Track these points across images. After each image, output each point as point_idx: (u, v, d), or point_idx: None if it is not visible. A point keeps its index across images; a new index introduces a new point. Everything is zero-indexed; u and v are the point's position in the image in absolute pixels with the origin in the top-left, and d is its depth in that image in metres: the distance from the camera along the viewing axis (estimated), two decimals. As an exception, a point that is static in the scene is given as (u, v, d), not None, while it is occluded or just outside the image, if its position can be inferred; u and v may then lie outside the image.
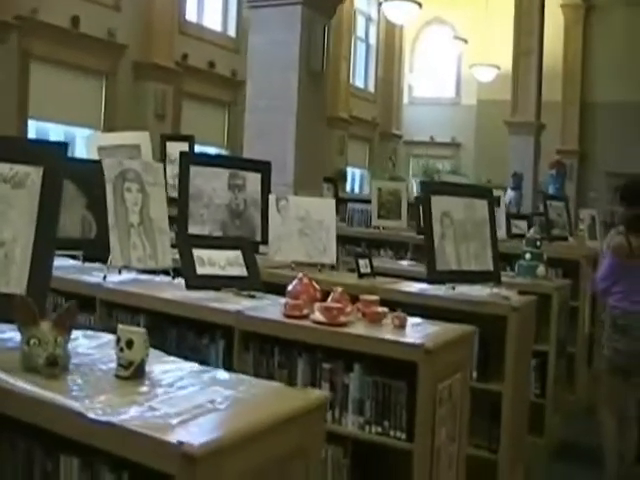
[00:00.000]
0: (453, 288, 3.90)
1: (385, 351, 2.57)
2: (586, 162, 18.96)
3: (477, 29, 18.76)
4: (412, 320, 2.83)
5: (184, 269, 3.09)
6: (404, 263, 5.52)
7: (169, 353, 1.99)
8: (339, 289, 2.89)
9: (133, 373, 1.67)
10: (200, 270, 3.13)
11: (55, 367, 1.63)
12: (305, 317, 2.75)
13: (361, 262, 4.20)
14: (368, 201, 7.52)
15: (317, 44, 5.72)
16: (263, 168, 4.60)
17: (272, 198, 4.33)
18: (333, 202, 4.61)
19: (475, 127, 20.57)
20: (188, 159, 4.44)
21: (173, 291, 3.10)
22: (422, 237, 6.59)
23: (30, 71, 9.48)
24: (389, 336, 2.62)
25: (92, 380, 1.66)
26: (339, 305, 2.75)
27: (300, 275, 3.03)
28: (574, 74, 19.23)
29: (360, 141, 18.89)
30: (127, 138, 5.53)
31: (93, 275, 3.35)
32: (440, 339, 2.65)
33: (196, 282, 3.08)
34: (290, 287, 2.99)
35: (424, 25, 21.29)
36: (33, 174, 2.06)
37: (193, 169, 4.34)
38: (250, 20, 6.01)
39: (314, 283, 3.02)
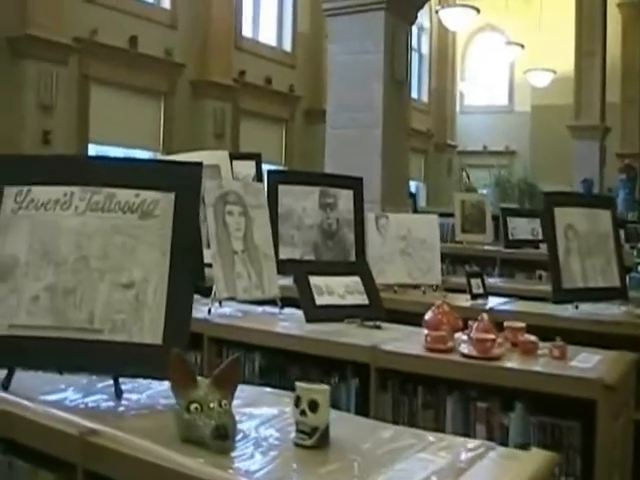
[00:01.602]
0: (576, 307, 3.54)
1: (555, 388, 2.23)
2: (649, 166, 18.29)
3: (530, 34, 18.33)
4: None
5: (302, 300, 2.78)
6: (493, 280, 5.16)
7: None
8: (485, 316, 2.55)
9: (318, 441, 1.36)
10: (319, 300, 2.81)
11: (226, 440, 1.31)
12: (450, 350, 2.43)
13: (473, 282, 3.85)
14: (447, 215, 7.16)
15: (401, 51, 5.41)
16: (355, 184, 4.29)
17: (371, 217, 4.03)
18: (435, 218, 4.29)
19: (530, 134, 20.13)
20: (276, 177, 4.15)
21: (289, 324, 2.80)
22: (510, 251, 6.34)
23: (90, 94, 9.31)
24: (559, 371, 2.27)
25: (270, 453, 1.34)
26: (491, 336, 2.41)
27: (438, 302, 2.70)
28: (633, 74, 18.64)
29: (416, 153, 18.53)
30: (205, 158, 5.24)
31: (195, 309, 3.05)
32: (616, 371, 2.29)
33: (316, 314, 2.77)
34: (428, 316, 2.66)
35: (475, 32, 20.94)
36: (163, 201, 1.76)
37: (282, 188, 4.04)
38: (329, 29, 5.69)
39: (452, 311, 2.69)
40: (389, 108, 5.39)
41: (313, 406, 1.35)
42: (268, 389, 1.86)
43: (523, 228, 6.54)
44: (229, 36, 11.42)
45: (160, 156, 9.75)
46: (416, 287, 4.00)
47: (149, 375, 1.67)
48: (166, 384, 1.69)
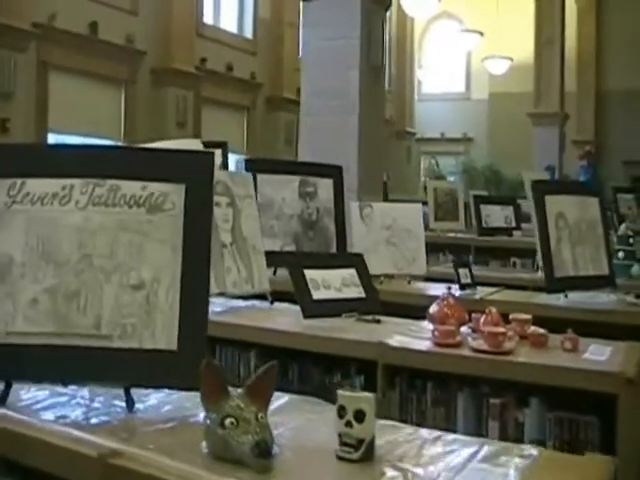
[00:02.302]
0: (566, 296, 3.48)
1: (574, 382, 2.14)
2: (603, 152, 18.53)
3: (486, 22, 18.36)
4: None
5: (299, 295, 2.65)
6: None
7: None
8: (493, 309, 2.46)
9: (364, 454, 1.24)
10: (316, 295, 2.69)
11: (267, 457, 1.19)
12: (459, 345, 2.34)
13: (461, 272, 3.76)
14: (412, 202, 7.08)
15: (377, 37, 5.30)
16: (334, 173, 4.18)
17: (355, 206, 3.92)
18: (420, 207, 4.19)
19: (487, 121, 20.23)
20: (255, 166, 4.00)
21: (285, 320, 2.68)
22: (484, 239, 6.29)
23: (49, 81, 9.02)
24: (576, 364, 2.19)
25: (314, 470, 1.22)
26: (502, 329, 2.32)
27: (444, 294, 2.60)
28: (588, 63, 18.84)
29: (377, 140, 18.45)
30: (181, 147, 5.08)
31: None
32: (633, 364, 2.21)
33: (314, 309, 2.64)
34: (433, 309, 2.56)
35: (432, 20, 20.91)
36: (173, 194, 1.62)
37: (260, 177, 3.89)
38: (303, 15, 5.54)
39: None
40: (365, 94, 5.27)
41: (359, 416, 1.23)
42: (281, 394, 1.74)
43: (496, 215, 6.49)
44: (190, 23, 11.19)
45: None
46: (401, 277, 3.91)
47: (164, 385, 1.54)
48: (179, 394, 1.56)
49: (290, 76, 13.58)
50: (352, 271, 2.86)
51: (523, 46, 16.69)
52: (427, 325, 2.59)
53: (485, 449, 1.36)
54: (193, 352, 1.51)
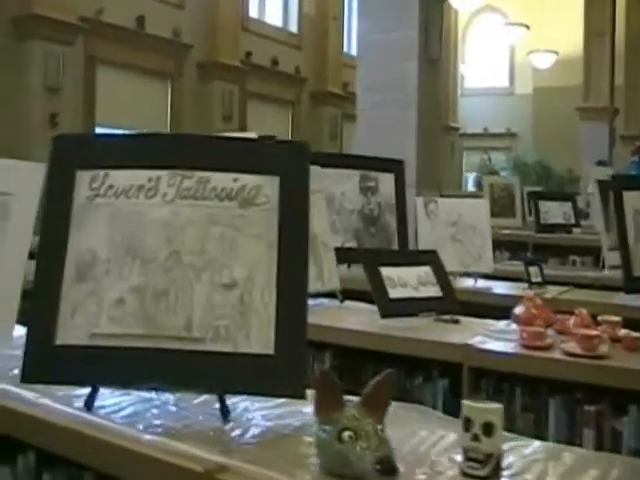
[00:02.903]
0: (639, 296, 3.32)
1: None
2: (654, 146, 18.01)
3: (531, 15, 18.05)
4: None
5: (375, 294, 2.53)
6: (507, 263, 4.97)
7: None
8: (583, 310, 2.32)
9: (493, 470, 1.12)
10: (392, 293, 2.57)
11: (392, 475, 1.07)
12: (549, 348, 2.20)
13: (531, 270, 3.62)
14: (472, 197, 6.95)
15: (435, 28, 5.15)
16: (396, 167, 4.06)
17: (420, 201, 3.79)
18: (485, 203, 4.05)
19: (532, 116, 19.87)
20: (315, 159, 3.87)
21: (361, 319, 2.57)
22: (542, 236, 6.10)
23: (97, 75, 9.00)
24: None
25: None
26: (596, 332, 2.18)
27: (530, 294, 2.47)
28: (637, 56, 18.36)
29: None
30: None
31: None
32: None
33: (391, 308, 2.52)
34: (519, 310, 2.43)
35: (475, 13, 20.60)
36: (267, 186, 1.51)
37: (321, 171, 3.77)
38: (360, 6, 5.41)
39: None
40: (423, 88, 5.14)
41: (488, 429, 1.11)
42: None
43: (554, 212, 6.30)
44: (236, 16, 11.11)
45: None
46: (468, 275, 3.78)
47: (261, 391, 1.42)
48: (275, 401, 1.46)
49: (334, 71, 13.47)
50: (427, 269, 2.74)
51: (569, 39, 16.37)
52: (509, 326, 2.47)
53: (616, 470, 1.23)
54: (292, 357, 1.41)
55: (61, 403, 1.41)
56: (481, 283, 3.71)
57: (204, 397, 1.45)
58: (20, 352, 1.64)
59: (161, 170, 1.52)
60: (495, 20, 20.00)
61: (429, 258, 2.79)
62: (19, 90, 7.82)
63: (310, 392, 1.31)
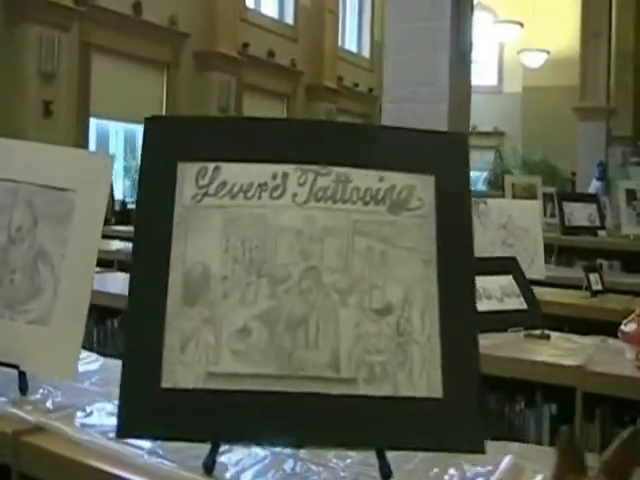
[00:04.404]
0: None
1: None
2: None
3: (521, 14, 17.89)
4: None
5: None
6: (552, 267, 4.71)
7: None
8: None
9: None
10: (479, 306, 2.26)
11: None
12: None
13: (591, 277, 3.36)
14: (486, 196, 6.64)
15: (467, 19, 4.86)
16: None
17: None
18: (537, 204, 3.77)
19: (521, 115, 19.73)
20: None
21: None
22: (568, 238, 5.84)
23: (92, 63, 8.60)
24: None
25: None
26: None
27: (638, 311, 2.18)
28: (626, 57, 18.23)
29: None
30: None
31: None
32: None
33: (479, 323, 2.21)
34: (631, 328, 2.14)
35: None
36: (420, 188, 1.20)
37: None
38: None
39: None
40: (455, 81, 4.84)
41: None
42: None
43: (579, 214, 6.04)
44: (234, 6, 10.74)
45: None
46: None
47: (430, 446, 1.11)
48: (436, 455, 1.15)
49: (330, 64, 13.15)
50: (509, 278, 2.45)
51: (561, 39, 16.24)
52: (614, 345, 2.20)
53: None
54: (464, 400, 1.11)
55: (173, 460, 1.08)
56: (536, 291, 3.43)
57: (353, 454, 1.13)
58: (87, 384, 1.33)
59: (288, 164, 1.19)
60: (485, 18, 19.79)
61: (510, 266, 2.50)
62: (13, 75, 7.41)
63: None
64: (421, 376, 1.11)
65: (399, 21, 4.92)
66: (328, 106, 13.11)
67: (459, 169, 1.23)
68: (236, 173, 1.19)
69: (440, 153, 1.23)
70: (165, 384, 1.09)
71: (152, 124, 1.22)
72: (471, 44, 4.90)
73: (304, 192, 1.18)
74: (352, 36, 16.21)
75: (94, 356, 1.70)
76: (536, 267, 3.57)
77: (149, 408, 1.09)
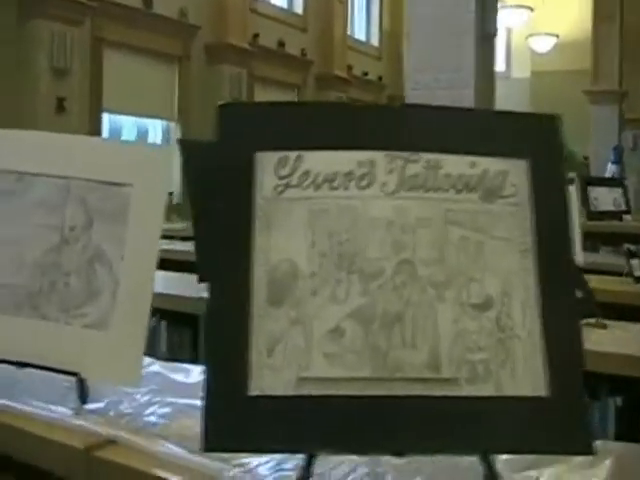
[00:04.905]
0: None
1: None
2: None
3: (528, -1, 17.76)
4: None
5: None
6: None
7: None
8: None
9: None
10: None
11: None
12: None
13: (634, 263, 3.28)
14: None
15: (492, 1, 4.76)
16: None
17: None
18: (573, 190, 3.66)
19: (530, 100, 19.61)
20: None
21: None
22: (593, 223, 5.76)
23: (103, 58, 8.53)
24: None
25: None
26: None
27: None
28: (637, 40, 18.09)
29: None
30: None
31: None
32: None
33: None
34: None
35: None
36: (513, 173, 1.13)
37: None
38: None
39: None
40: (480, 66, 4.75)
41: None
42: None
43: (604, 198, 5.96)
44: (243, -4, 10.66)
45: (175, 127, 9.02)
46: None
47: (538, 448, 1.04)
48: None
49: (340, 53, 13.05)
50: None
51: (570, 23, 16.14)
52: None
53: None
54: (571, 398, 1.03)
55: (262, 475, 1.01)
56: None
57: (456, 459, 1.06)
58: (146, 390, 1.27)
59: (374, 151, 1.12)
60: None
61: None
62: (25, 72, 7.34)
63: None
64: (524, 374, 1.04)
65: (420, 5, 4.83)
66: (338, 95, 13.00)
67: (553, 152, 1.15)
68: (320, 162, 1.12)
69: (532, 135, 1.16)
70: (252, 391, 1.02)
71: (227, 111, 1.15)
72: (496, 27, 4.79)
73: (393, 181, 1.11)
74: (361, 25, 16.11)
75: (147, 359, 1.62)
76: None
77: (236, 418, 1.01)
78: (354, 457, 1.08)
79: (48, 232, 1.46)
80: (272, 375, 1.03)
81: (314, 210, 1.10)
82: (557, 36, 17.23)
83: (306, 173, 1.11)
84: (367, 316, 1.05)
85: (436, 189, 1.11)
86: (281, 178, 1.11)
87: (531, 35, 17.53)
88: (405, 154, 1.11)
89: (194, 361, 2.35)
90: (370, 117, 1.17)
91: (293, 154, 1.12)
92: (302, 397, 1.02)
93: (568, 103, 15.00)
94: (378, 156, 1.11)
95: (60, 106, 7.51)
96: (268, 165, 1.12)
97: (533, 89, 19.47)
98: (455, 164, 1.12)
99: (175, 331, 2.71)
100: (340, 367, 1.03)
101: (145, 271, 1.36)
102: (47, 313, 1.42)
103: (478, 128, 1.16)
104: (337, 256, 1.08)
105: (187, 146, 2.28)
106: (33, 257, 1.46)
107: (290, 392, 1.02)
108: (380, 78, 15.82)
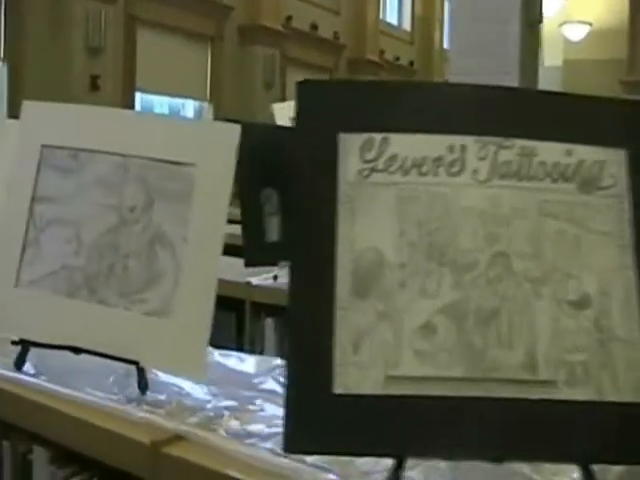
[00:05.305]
0: None
1: None
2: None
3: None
4: None
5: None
6: None
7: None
8: None
9: None
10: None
11: None
12: None
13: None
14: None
15: (536, -15, 4.65)
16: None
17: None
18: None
19: (562, 89, 19.36)
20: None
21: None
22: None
23: (137, 37, 8.48)
24: None
25: None
26: None
27: None
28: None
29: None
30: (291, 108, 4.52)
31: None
32: None
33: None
34: None
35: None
36: (611, 163, 1.06)
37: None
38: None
39: None
40: (524, 54, 4.64)
41: None
42: None
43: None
44: (277, -25, 10.57)
45: (207, 107, 8.98)
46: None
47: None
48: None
49: (372, 38, 12.93)
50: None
51: (603, 10, 15.93)
52: None
53: None
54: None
55: (343, 476, 0.95)
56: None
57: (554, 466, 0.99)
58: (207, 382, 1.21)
59: (465, 135, 1.05)
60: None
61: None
62: (60, 50, 7.32)
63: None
64: (626, 378, 0.98)
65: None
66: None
67: (656, 141, 1.07)
68: (407, 145, 1.05)
69: (631, 123, 1.08)
70: (337, 389, 0.96)
71: (307, 89, 1.08)
72: (542, 14, 4.68)
73: (485, 168, 1.04)
74: (393, 9, 15.97)
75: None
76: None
77: (320, 418, 0.95)
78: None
79: (106, 212, 1.40)
80: (358, 373, 0.96)
81: (402, 197, 1.03)
82: (590, 24, 16.96)
83: (393, 157, 1.05)
84: (460, 312, 0.99)
85: (530, 178, 1.04)
86: (366, 162, 1.05)
87: (564, 23, 17.26)
88: (497, 139, 1.05)
89: (240, 348, 2.31)
90: (460, 99, 1.09)
91: (378, 136, 1.05)
92: (391, 397, 0.95)
93: (601, 92, 14.79)
94: (468, 140, 1.05)
95: (94, 84, 7.49)
96: (352, 147, 1.05)
97: (565, 78, 19.20)
98: (550, 152, 1.05)
99: (219, 316, 2.66)
100: (431, 366, 0.97)
101: (210, 255, 1.30)
102: (105, 297, 1.36)
103: (574, 114, 1.09)
104: (427, 246, 1.01)
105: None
106: (91, 238, 1.40)
107: (378, 391, 0.96)
108: (412, 63, 15.68)
